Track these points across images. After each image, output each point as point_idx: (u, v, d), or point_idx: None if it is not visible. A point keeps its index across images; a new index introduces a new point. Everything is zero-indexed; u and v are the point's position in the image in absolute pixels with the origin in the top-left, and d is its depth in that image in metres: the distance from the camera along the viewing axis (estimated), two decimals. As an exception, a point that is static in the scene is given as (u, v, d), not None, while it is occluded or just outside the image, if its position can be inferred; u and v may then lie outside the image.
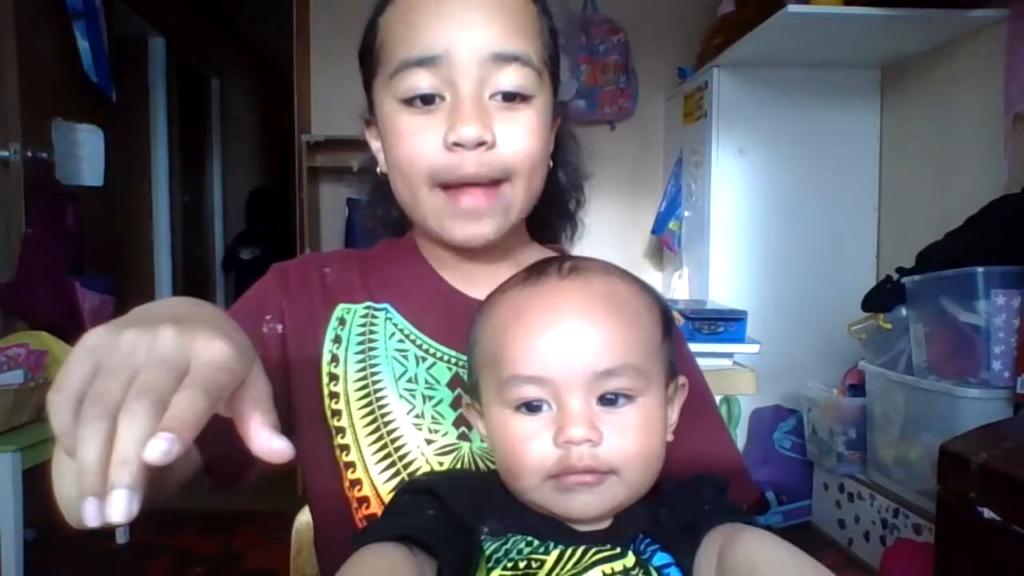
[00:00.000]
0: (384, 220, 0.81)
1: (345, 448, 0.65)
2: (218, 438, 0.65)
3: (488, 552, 0.52)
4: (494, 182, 0.63)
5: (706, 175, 2.47)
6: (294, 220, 3.41)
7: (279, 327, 0.68)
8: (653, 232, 2.88)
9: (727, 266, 2.45)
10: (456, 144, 0.61)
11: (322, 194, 3.50)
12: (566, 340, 0.53)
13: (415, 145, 0.63)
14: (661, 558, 0.52)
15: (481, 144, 0.61)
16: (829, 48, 2.23)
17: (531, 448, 0.53)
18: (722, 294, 2.42)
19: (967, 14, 1.93)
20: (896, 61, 2.34)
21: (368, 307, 0.70)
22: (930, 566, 1.43)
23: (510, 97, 0.63)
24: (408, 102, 0.63)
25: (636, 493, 0.54)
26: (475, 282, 0.70)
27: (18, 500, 1.99)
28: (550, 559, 0.51)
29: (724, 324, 2.02)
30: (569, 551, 0.52)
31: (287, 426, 0.68)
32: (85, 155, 2.89)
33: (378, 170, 0.72)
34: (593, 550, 0.52)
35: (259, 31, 5.17)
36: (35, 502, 2.22)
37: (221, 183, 5.24)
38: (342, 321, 0.69)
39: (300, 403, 0.68)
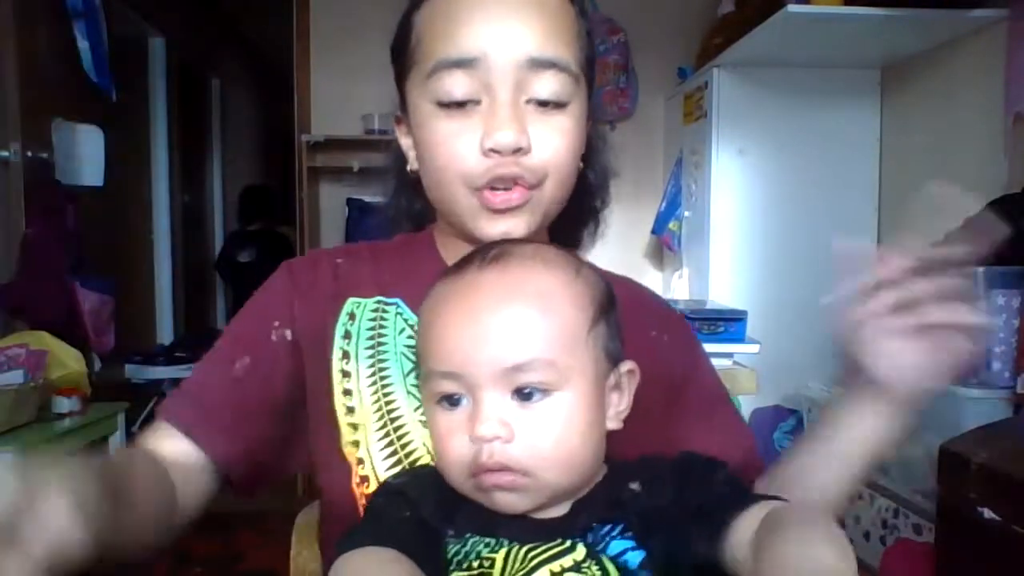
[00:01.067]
0: (408, 212, 0.81)
1: (356, 444, 0.65)
2: (237, 449, 0.67)
3: (450, 555, 0.52)
4: (525, 185, 0.64)
5: (706, 175, 2.47)
6: (294, 220, 3.41)
7: (288, 333, 0.69)
8: (653, 232, 2.88)
9: (727, 266, 2.45)
10: (492, 150, 0.61)
11: (322, 194, 3.50)
12: (475, 334, 0.52)
13: (451, 149, 0.63)
14: (618, 545, 0.51)
15: (517, 150, 0.61)
16: (829, 48, 2.23)
17: (451, 444, 0.53)
18: (722, 294, 2.42)
19: (967, 14, 1.93)
20: (896, 61, 2.34)
21: (379, 301, 0.70)
22: (930, 566, 1.43)
23: (545, 104, 0.63)
24: (444, 105, 0.62)
25: (564, 489, 0.53)
26: None
27: (18, 500, 1.99)
28: (499, 559, 0.51)
29: (724, 324, 2.02)
30: (515, 550, 0.51)
31: (302, 426, 0.69)
32: (85, 155, 2.89)
33: (409, 168, 0.72)
34: (539, 549, 0.51)
35: (259, 31, 5.17)
36: (35, 502, 2.22)
37: (221, 183, 5.24)
38: (352, 316, 0.69)
39: (314, 403, 0.68)
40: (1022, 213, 1.64)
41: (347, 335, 0.68)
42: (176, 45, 4.22)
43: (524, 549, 0.51)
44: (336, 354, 0.67)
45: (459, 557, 0.51)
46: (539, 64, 0.62)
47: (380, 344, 0.67)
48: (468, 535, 0.52)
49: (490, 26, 0.61)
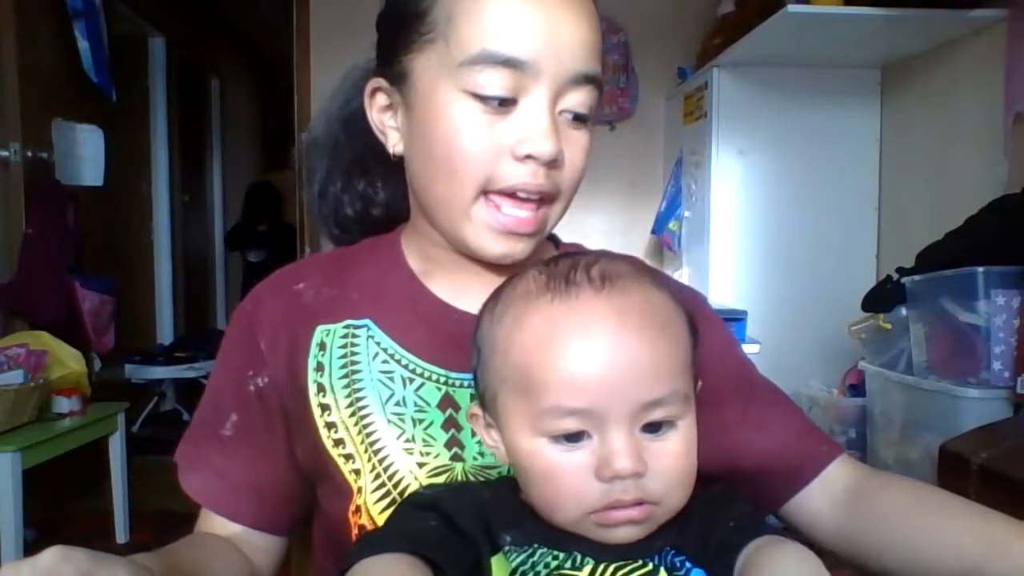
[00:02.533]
0: (365, 198, 0.77)
1: (356, 472, 0.63)
2: (279, 510, 0.67)
3: (514, 564, 0.50)
4: (541, 199, 0.61)
5: (706, 175, 2.47)
6: (294, 221, 3.41)
7: (262, 379, 0.66)
8: (653, 232, 2.88)
9: (727, 266, 2.45)
10: (529, 157, 0.58)
11: (322, 194, 3.50)
12: (612, 370, 0.48)
13: (477, 146, 0.58)
14: (695, 573, 0.50)
15: (552, 162, 0.59)
16: (829, 48, 2.22)
17: (572, 483, 0.49)
18: (722, 294, 2.42)
19: (967, 14, 1.93)
20: (896, 61, 2.34)
21: (348, 326, 0.66)
22: (930, 566, 1.43)
23: (577, 117, 0.61)
24: (479, 97, 0.58)
25: (674, 513, 0.52)
26: (464, 293, 0.66)
27: (18, 500, 2.00)
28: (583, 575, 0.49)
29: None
30: (601, 568, 0.49)
31: (300, 468, 0.67)
32: (85, 155, 2.89)
33: (391, 151, 0.66)
34: (626, 569, 0.49)
35: (259, 31, 5.17)
36: (35, 502, 2.22)
37: (221, 183, 5.24)
38: (322, 346, 0.65)
39: (301, 435, 0.66)
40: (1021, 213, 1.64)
41: (319, 367, 0.65)
42: (176, 45, 4.22)
43: (611, 568, 0.49)
44: (312, 388, 0.65)
45: (524, 567, 0.50)
46: (583, 79, 0.60)
47: (354, 373, 0.64)
48: (536, 545, 0.51)
49: (546, 29, 0.58)
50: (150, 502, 2.77)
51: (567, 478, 0.50)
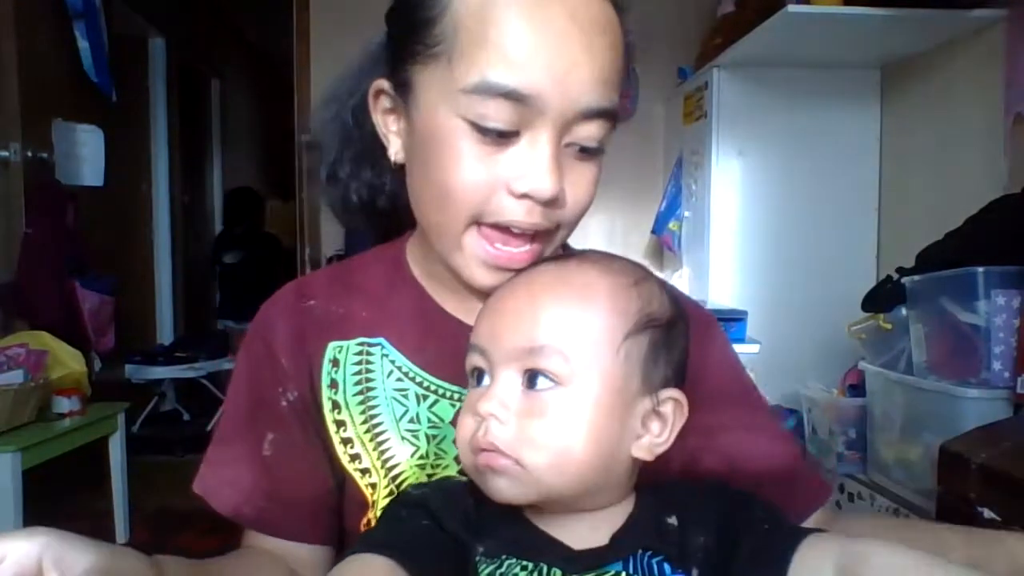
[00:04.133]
0: (366, 200, 0.74)
1: (373, 487, 0.63)
2: (326, 522, 0.66)
3: (484, 574, 0.50)
4: (536, 235, 0.59)
5: (706, 175, 2.47)
6: (294, 221, 3.41)
7: (292, 394, 0.65)
8: (653, 232, 2.88)
9: (727, 266, 2.45)
10: (526, 195, 0.55)
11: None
12: (504, 312, 0.54)
13: (472, 177, 0.56)
14: (664, 569, 0.50)
15: (551, 201, 0.56)
16: (829, 48, 2.22)
17: (463, 419, 0.53)
18: (722, 294, 2.42)
19: (967, 14, 1.93)
20: (896, 61, 2.34)
21: (362, 343, 0.66)
22: (930, 566, 1.43)
23: (585, 150, 0.58)
24: (479, 128, 0.55)
25: (558, 493, 0.51)
26: (474, 310, 0.65)
27: (18, 500, 2.00)
28: None
29: (724, 324, 2.02)
30: None
31: (336, 475, 0.66)
32: (85, 155, 2.89)
33: (392, 157, 0.64)
34: None
35: (259, 31, 5.17)
36: (35, 502, 2.22)
37: (221, 183, 5.24)
38: (335, 362, 0.65)
39: (331, 455, 0.66)
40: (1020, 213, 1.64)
41: (333, 384, 0.65)
42: (176, 45, 4.22)
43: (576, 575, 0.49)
44: (327, 406, 0.64)
45: None
46: (593, 113, 0.56)
47: (369, 390, 0.64)
48: (504, 556, 0.51)
49: (555, 62, 0.53)
50: (150, 502, 2.77)
51: (463, 414, 0.53)
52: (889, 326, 1.92)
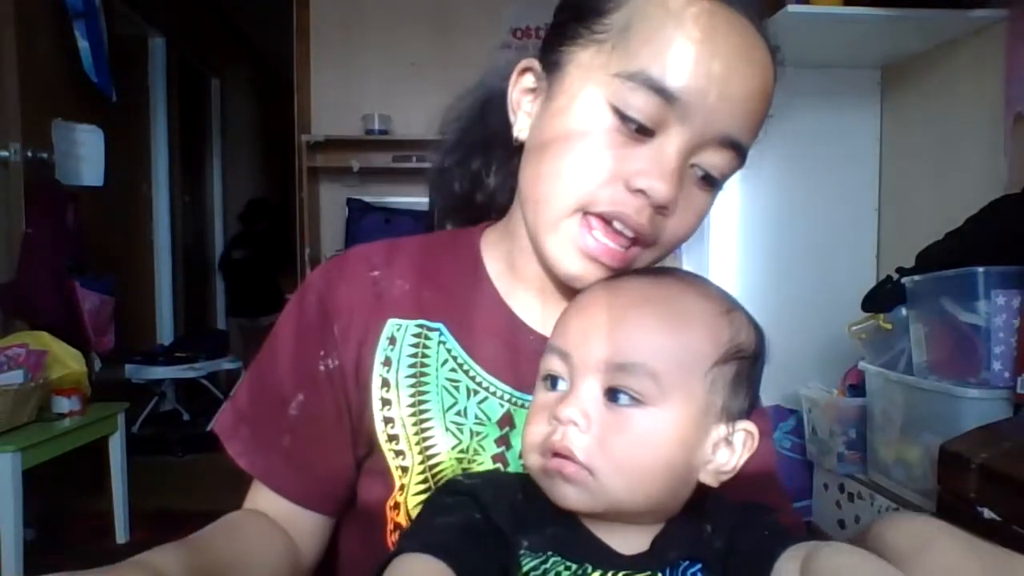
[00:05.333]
0: (473, 178, 0.74)
1: (404, 470, 0.63)
2: (338, 492, 0.66)
3: (526, 569, 0.50)
4: (636, 239, 0.58)
5: (706, 175, 2.47)
6: (294, 220, 3.41)
7: (332, 361, 0.64)
8: (653, 232, 2.88)
9: (727, 266, 2.45)
10: (640, 191, 0.55)
11: (322, 194, 3.50)
12: (595, 322, 0.52)
13: (597, 162, 0.56)
14: None
15: (662, 207, 0.56)
16: (829, 48, 2.22)
17: (534, 420, 0.53)
18: (722, 294, 2.42)
19: (967, 14, 1.93)
20: (896, 61, 2.34)
21: (421, 326, 0.65)
22: (930, 566, 1.43)
23: (706, 177, 0.58)
24: (623, 117, 0.55)
25: (625, 506, 0.51)
26: (542, 314, 0.65)
27: (18, 500, 2.00)
28: None
29: (724, 324, 2.02)
30: None
31: (356, 453, 0.66)
32: (85, 155, 2.89)
33: (516, 133, 0.64)
34: None
35: (259, 31, 5.17)
36: (35, 502, 2.22)
37: (221, 183, 5.24)
38: (392, 340, 0.64)
39: (359, 429, 0.65)
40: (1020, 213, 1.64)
41: (387, 362, 0.64)
42: (176, 45, 4.22)
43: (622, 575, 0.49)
44: (376, 381, 0.64)
45: (537, 573, 0.50)
46: (728, 142, 0.57)
47: (422, 375, 0.63)
48: (549, 553, 0.51)
49: (713, 75, 0.55)
50: (150, 502, 2.77)
51: (533, 416, 0.53)
52: (889, 326, 1.92)
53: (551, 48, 0.62)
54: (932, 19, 1.96)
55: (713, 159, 0.57)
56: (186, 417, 4.00)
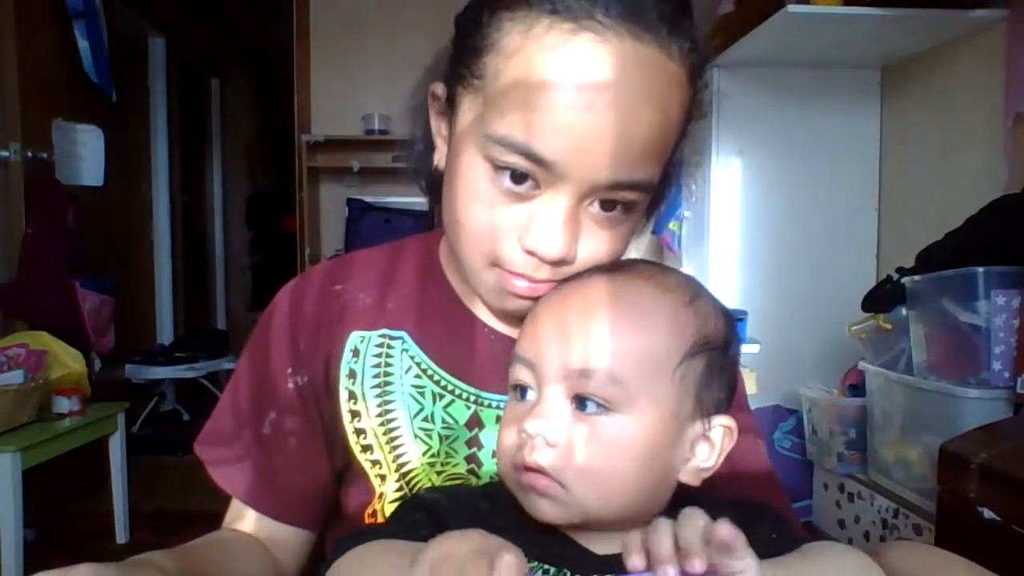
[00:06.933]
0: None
1: (382, 478, 0.64)
2: (317, 506, 0.67)
3: None
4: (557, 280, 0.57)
5: (706, 175, 2.47)
6: (294, 220, 3.41)
7: (301, 378, 0.65)
8: (653, 232, 2.87)
9: (727, 266, 2.45)
10: (531, 252, 0.54)
11: (322, 194, 3.50)
12: (556, 329, 0.51)
13: (485, 224, 0.55)
14: None
15: (559, 262, 0.54)
16: (829, 48, 2.22)
17: (504, 433, 0.52)
18: (722, 294, 2.40)
19: (967, 14, 1.93)
20: (896, 61, 2.34)
21: (384, 335, 0.65)
22: (930, 566, 1.43)
23: (610, 206, 0.55)
24: (497, 168, 0.53)
25: (602, 516, 0.49)
26: (503, 316, 0.65)
27: (18, 500, 2.00)
28: None
29: (724, 324, 2.02)
30: None
31: (333, 467, 0.67)
32: (85, 155, 2.89)
33: (435, 160, 0.63)
34: None
35: (259, 31, 5.16)
36: (35, 502, 2.22)
37: (221, 183, 5.24)
38: (356, 352, 0.65)
39: (334, 443, 0.66)
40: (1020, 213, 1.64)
41: (352, 374, 0.65)
42: (176, 45, 4.22)
43: None
44: (343, 395, 0.65)
45: None
46: (620, 186, 0.53)
47: (387, 384, 0.64)
48: (527, 560, 0.50)
49: (583, 133, 0.50)
50: (150, 502, 2.77)
51: (504, 428, 0.52)
52: (889, 326, 1.92)
53: (450, 79, 0.59)
54: (932, 19, 1.96)
55: (612, 197, 0.54)
56: (186, 417, 4.00)
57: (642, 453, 0.49)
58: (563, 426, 0.49)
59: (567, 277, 0.56)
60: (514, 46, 0.51)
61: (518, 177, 0.53)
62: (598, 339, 0.49)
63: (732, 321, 0.55)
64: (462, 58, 0.57)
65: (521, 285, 0.56)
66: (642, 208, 0.58)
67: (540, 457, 0.48)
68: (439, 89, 0.61)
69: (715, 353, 0.52)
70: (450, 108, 0.59)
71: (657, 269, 0.55)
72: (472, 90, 0.55)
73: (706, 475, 0.52)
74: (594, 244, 0.55)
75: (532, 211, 0.54)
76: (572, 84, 0.50)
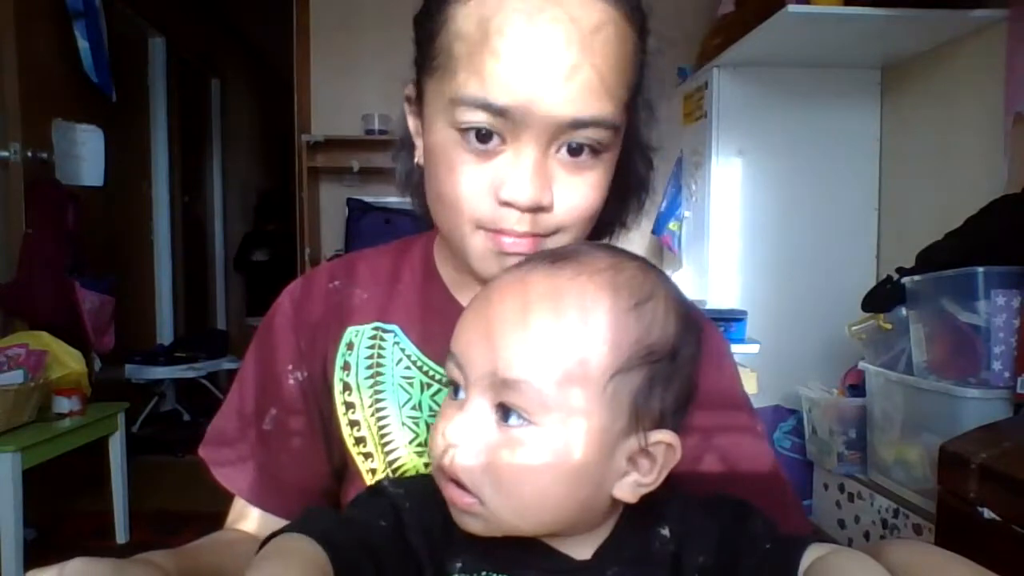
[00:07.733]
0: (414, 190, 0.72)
1: (372, 472, 0.65)
2: (318, 503, 0.67)
3: None
4: (536, 235, 0.57)
5: (706, 175, 2.47)
6: (294, 220, 3.41)
7: (302, 374, 0.67)
8: (653, 232, 2.88)
9: (727, 266, 2.45)
10: (507, 203, 0.55)
11: (322, 194, 3.50)
12: (482, 331, 0.47)
13: (463, 188, 0.56)
14: None
15: (537, 209, 0.55)
16: (829, 48, 2.23)
17: (434, 433, 0.49)
18: (722, 294, 2.42)
19: (967, 14, 1.93)
20: (896, 61, 2.34)
21: (377, 328, 0.67)
22: (930, 566, 1.43)
23: (577, 151, 0.56)
24: (463, 131, 0.55)
25: (524, 531, 0.47)
26: None
27: (18, 500, 2.00)
28: None
29: (724, 324, 2.02)
30: None
31: (333, 464, 0.68)
32: (85, 155, 2.89)
33: (416, 159, 0.65)
34: None
35: (259, 31, 5.16)
36: (35, 502, 2.22)
37: (221, 183, 5.24)
38: (350, 346, 0.67)
39: (331, 439, 0.67)
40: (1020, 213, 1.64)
41: (346, 366, 0.66)
42: (176, 45, 4.22)
43: None
44: (338, 387, 0.66)
45: None
46: (580, 124, 0.54)
47: (378, 375, 0.66)
48: (484, 572, 0.48)
49: (534, 76, 0.52)
50: (150, 502, 2.77)
51: (434, 429, 0.48)
52: (889, 326, 1.92)
53: (415, 76, 0.62)
54: (932, 19, 1.96)
55: (576, 139, 0.55)
56: (186, 417, 4.00)
57: (565, 470, 0.45)
58: (484, 436, 0.46)
59: (551, 251, 0.54)
60: (463, 14, 0.55)
61: (483, 136, 0.55)
62: (523, 347, 0.45)
63: (689, 324, 0.50)
64: (421, 49, 0.60)
65: (507, 241, 0.57)
66: (613, 154, 0.59)
67: (458, 467, 0.46)
68: (409, 90, 0.64)
69: (659, 365, 0.48)
70: (420, 103, 0.62)
71: (613, 261, 0.50)
72: (434, 72, 0.58)
73: (645, 491, 0.48)
74: (568, 192, 0.57)
75: (501, 165, 0.56)
76: (518, 32, 0.52)
